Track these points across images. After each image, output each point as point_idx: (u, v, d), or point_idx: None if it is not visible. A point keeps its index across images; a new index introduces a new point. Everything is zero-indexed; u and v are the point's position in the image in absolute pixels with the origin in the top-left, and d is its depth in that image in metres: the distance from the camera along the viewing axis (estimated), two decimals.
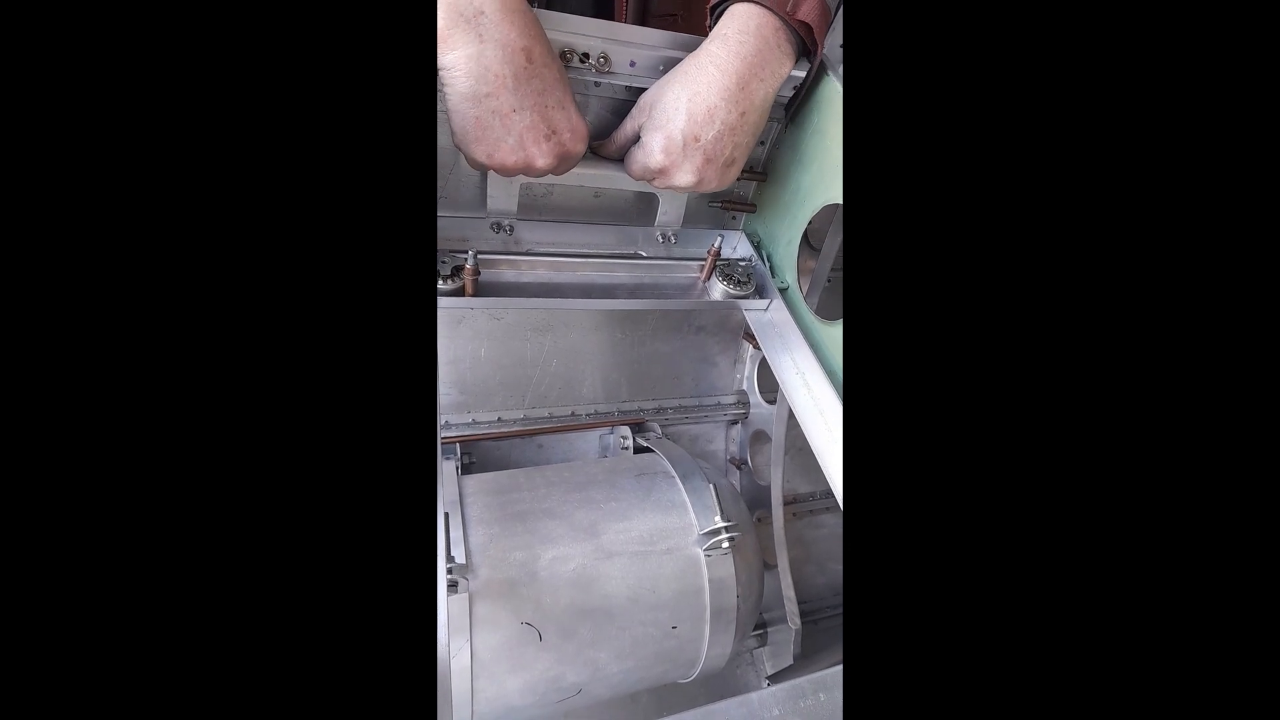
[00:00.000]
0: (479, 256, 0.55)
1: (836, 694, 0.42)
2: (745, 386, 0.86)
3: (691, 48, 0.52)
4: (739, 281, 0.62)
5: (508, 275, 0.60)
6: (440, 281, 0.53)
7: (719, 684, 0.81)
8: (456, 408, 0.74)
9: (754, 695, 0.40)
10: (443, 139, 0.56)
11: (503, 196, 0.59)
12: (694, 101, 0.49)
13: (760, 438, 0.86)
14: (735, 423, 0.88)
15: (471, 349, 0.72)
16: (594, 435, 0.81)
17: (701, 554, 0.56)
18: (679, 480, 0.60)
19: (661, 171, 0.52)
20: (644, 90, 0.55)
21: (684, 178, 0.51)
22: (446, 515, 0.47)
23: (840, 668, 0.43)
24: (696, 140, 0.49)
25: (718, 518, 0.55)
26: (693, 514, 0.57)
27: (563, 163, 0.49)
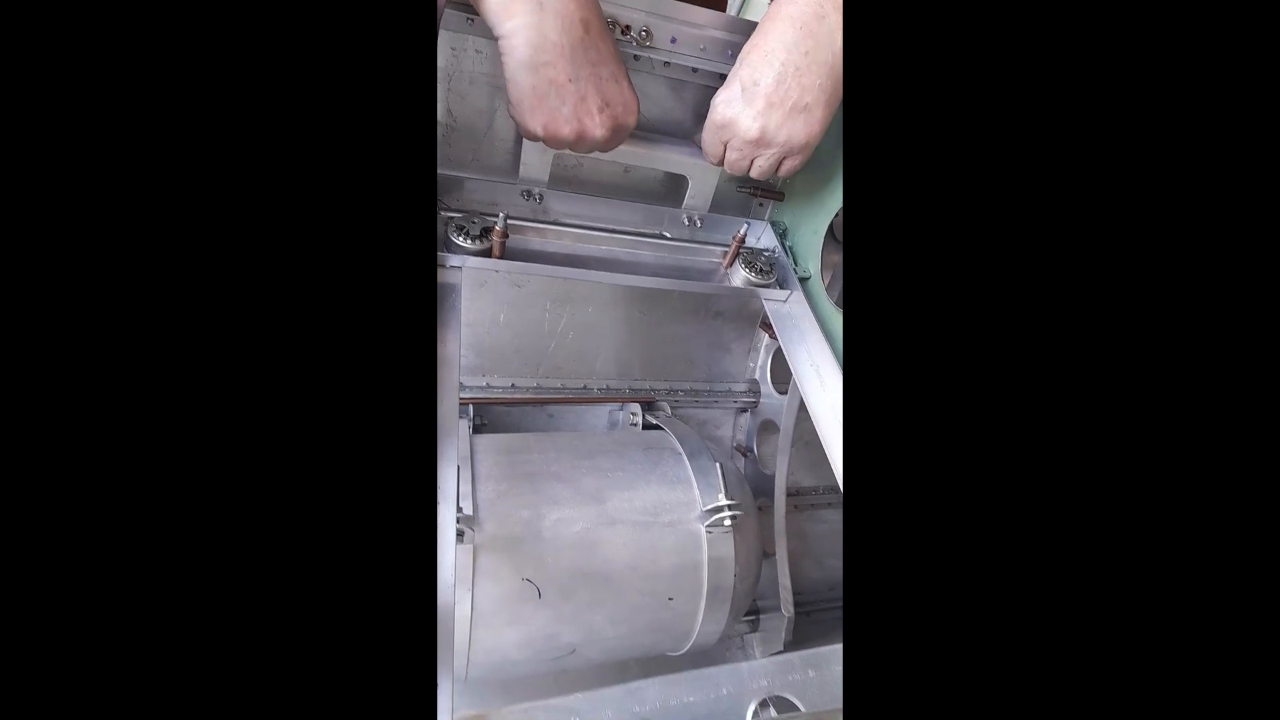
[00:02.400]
0: (509, 221, 0.56)
1: (825, 672, 0.43)
2: (758, 375, 0.87)
3: (737, 29, 0.53)
4: (761, 270, 0.63)
5: (534, 243, 0.61)
6: (469, 241, 0.54)
7: (708, 662, 0.82)
8: (471, 370, 0.76)
9: (744, 665, 0.41)
10: (479, 103, 0.57)
11: (536, 164, 0.60)
12: (751, 52, 0.48)
13: (768, 427, 0.86)
14: (744, 411, 0.89)
15: (491, 313, 0.73)
16: (604, 410, 0.82)
17: (703, 530, 0.57)
18: (685, 457, 0.61)
19: (724, 126, 0.50)
20: (683, 66, 0.56)
21: (746, 125, 0.49)
22: (457, 468, 0.48)
23: (831, 648, 0.44)
24: (756, 84, 0.47)
25: (721, 496, 0.56)
26: (697, 490, 0.58)
27: (615, 135, 0.50)
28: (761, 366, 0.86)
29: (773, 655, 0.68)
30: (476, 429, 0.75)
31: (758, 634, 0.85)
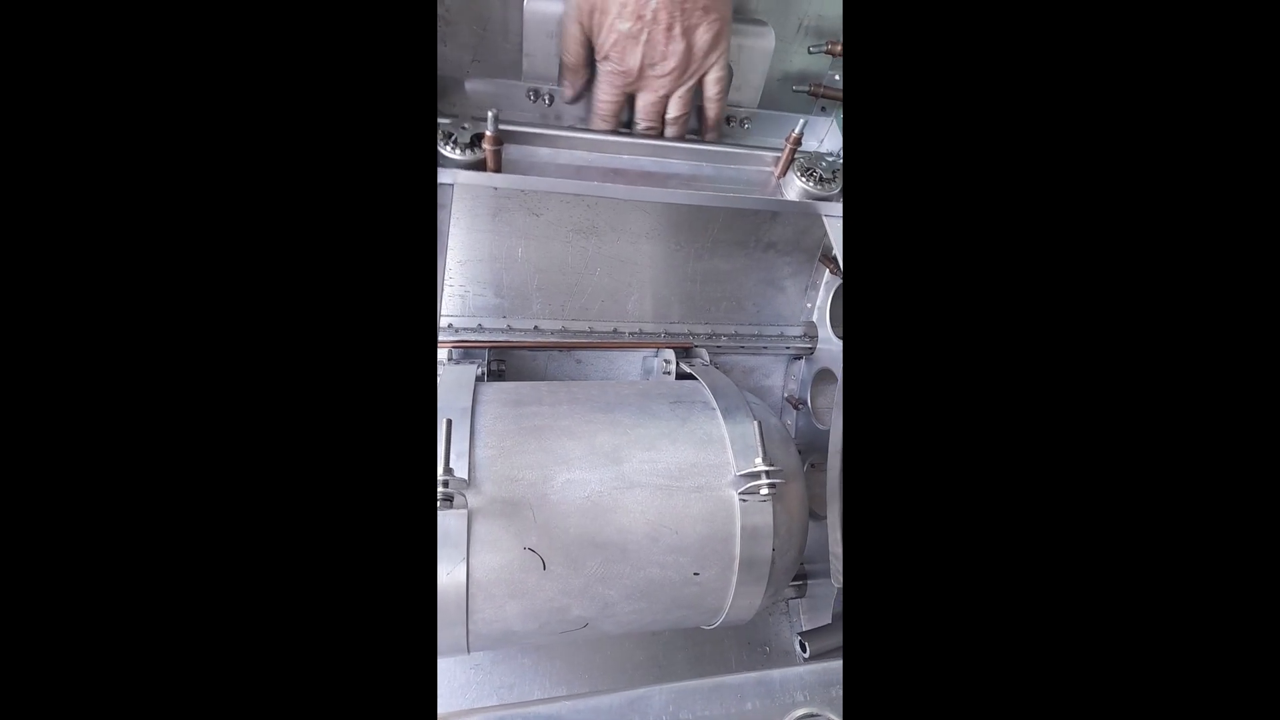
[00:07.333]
0: (510, 128, 0.46)
1: None
2: (815, 318, 0.75)
3: None
4: (822, 179, 0.50)
5: (542, 154, 0.51)
6: (458, 151, 0.45)
7: (746, 633, 0.75)
8: (492, 311, 0.68)
9: (775, 674, 0.33)
10: None
11: (542, 57, 0.49)
12: None
13: (825, 376, 0.75)
14: (799, 358, 0.78)
15: (508, 247, 0.65)
16: (637, 356, 0.73)
17: (736, 497, 0.48)
18: (719, 413, 0.52)
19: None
20: None
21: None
22: (449, 423, 0.41)
23: None
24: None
25: (759, 460, 0.47)
26: (731, 452, 0.49)
27: None
28: (820, 307, 0.74)
29: (814, 635, 0.60)
30: (497, 375, 0.69)
31: (804, 600, 0.77)
